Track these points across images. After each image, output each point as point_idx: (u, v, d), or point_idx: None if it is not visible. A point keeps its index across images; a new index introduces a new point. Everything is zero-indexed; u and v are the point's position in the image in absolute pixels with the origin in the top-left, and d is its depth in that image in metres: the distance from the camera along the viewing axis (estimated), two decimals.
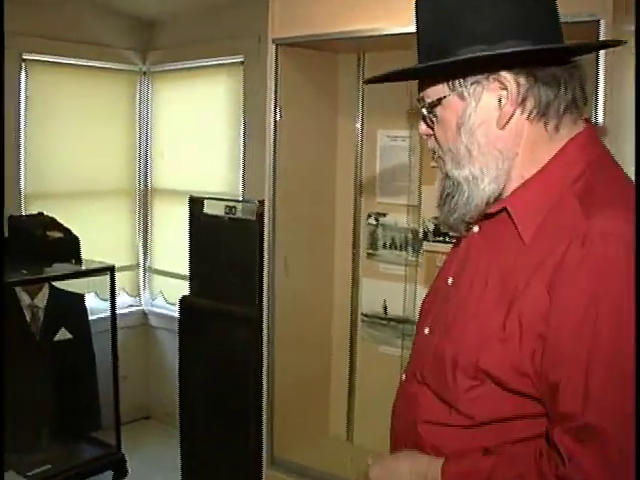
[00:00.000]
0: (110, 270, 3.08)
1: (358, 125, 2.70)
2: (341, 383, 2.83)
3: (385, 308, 2.65)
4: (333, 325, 2.86)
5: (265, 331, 2.55)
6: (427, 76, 1.16)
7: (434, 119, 1.15)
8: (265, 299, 2.52)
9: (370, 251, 2.70)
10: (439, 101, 1.13)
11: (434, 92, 1.14)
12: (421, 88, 1.17)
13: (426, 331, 1.23)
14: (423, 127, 1.19)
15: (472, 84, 1.10)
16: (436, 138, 1.17)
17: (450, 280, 1.22)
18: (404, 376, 1.28)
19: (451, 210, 1.16)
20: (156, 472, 3.45)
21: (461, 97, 1.10)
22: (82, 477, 3.13)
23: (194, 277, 3.15)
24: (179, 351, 3.16)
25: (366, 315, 2.72)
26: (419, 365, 1.21)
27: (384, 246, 2.65)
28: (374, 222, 2.69)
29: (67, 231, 3.15)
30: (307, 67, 2.60)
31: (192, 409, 3.14)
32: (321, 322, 2.82)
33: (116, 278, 3.58)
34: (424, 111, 1.16)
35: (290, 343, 2.62)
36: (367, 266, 2.74)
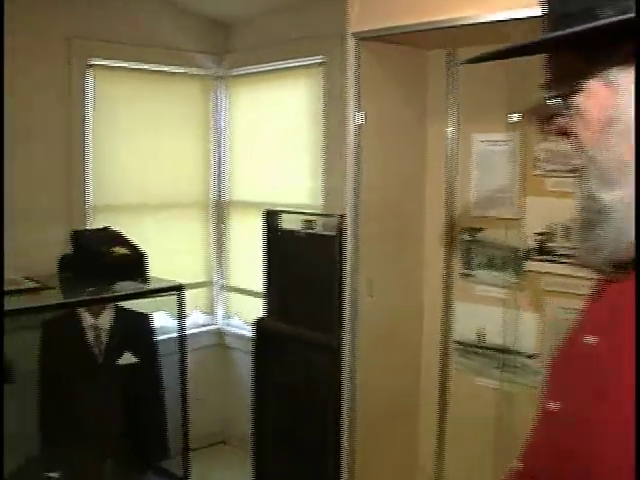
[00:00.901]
0: (178, 289, 3.15)
1: (450, 128, 2.66)
2: (430, 417, 2.79)
3: (481, 335, 2.62)
4: (422, 353, 2.83)
5: (346, 359, 2.54)
6: (560, 50, 0.94)
7: (571, 113, 0.94)
8: (346, 323, 2.52)
9: (464, 271, 2.67)
10: (578, 86, 0.91)
11: (571, 73, 0.92)
12: (551, 69, 0.96)
13: (552, 407, 0.99)
14: (557, 123, 0.96)
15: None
16: (575, 140, 0.96)
17: (591, 339, 0.96)
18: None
19: (595, 247, 0.94)
20: None
21: (610, 82, 0.88)
22: None
23: (269, 297, 3.22)
24: (253, 376, 3.23)
25: (460, 343, 2.70)
26: (531, 458, 0.99)
27: (480, 265, 2.62)
28: (469, 238, 2.65)
29: (133, 247, 3.24)
30: (392, 65, 2.58)
31: (266, 437, 3.21)
32: (409, 350, 2.80)
33: (189, 296, 3.74)
34: (554, 101, 0.95)
35: (374, 372, 2.60)
36: (461, 288, 2.69)
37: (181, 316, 3.19)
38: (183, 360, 3.21)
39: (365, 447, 2.62)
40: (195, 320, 4.19)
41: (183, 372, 3.21)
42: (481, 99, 2.53)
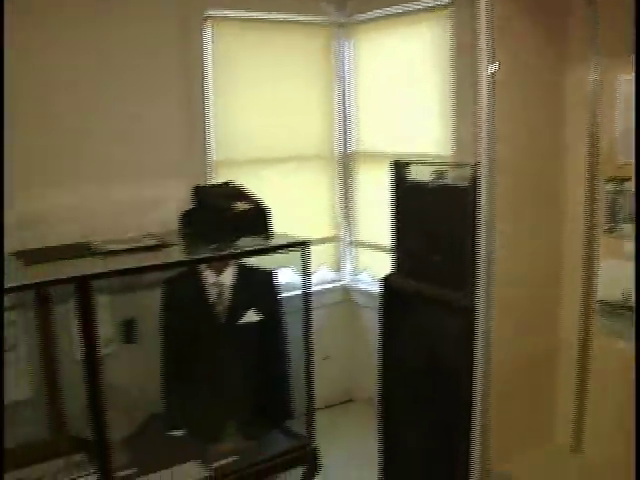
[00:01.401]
0: (303, 245, 3.22)
1: (592, 70, 2.55)
2: (569, 383, 2.76)
3: (627, 295, 2.54)
4: (561, 314, 2.80)
5: (480, 318, 2.54)
6: None
7: None
8: (480, 280, 2.52)
9: (609, 225, 2.59)
10: None
11: None
12: None
13: None
14: None
15: None
16: None
17: None
18: None
19: None
20: (352, 466, 3.63)
21: None
22: (270, 472, 3.33)
23: (397, 252, 3.22)
24: (380, 334, 3.26)
25: (603, 302, 2.63)
26: None
27: (626, 219, 2.52)
28: (615, 189, 2.56)
29: (256, 202, 3.31)
30: (529, 5, 2.48)
31: (393, 396, 3.25)
32: (546, 310, 2.78)
33: (316, 252, 3.85)
34: None
35: (508, 335, 2.59)
36: (605, 244, 2.61)
37: (306, 273, 3.25)
38: (308, 318, 3.28)
39: (498, 409, 2.61)
40: (322, 276, 4.30)
41: (308, 330, 3.28)
42: (630, 34, 2.34)
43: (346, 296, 4.35)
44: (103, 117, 3.43)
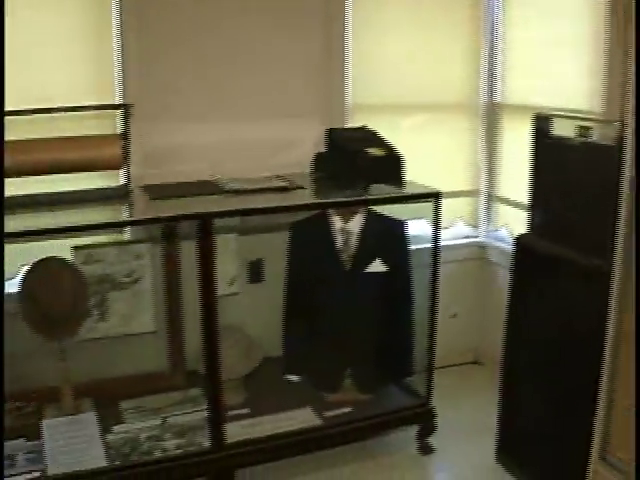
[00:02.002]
0: (435, 197, 3.24)
1: None
2: None
3: None
4: None
5: (614, 287, 2.52)
6: None
7: None
8: (619, 246, 2.50)
9: None
10: None
11: None
12: None
13: None
14: None
15: None
16: None
17: None
18: None
19: None
20: (468, 432, 3.70)
21: None
22: (383, 427, 3.49)
23: (534, 211, 3.23)
24: (510, 295, 3.30)
25: None
26: None
27: None
28: None
29: (390, 149, 3.34)
30: None
31: (517, 364, 3.29)
32: None
33: (453, 205, 4.07)
34: None
35: None
36: None
37: (436, 225, 3.27)
38: (435, 272, 3.30)
39: (626, 396, 2.51)
40: (458, 231, 4.34)
41: (434, 285, 3.32)
42: None
43: (481, 253, 4.35)
44: (241, 56, 3.61)
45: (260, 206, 3.12)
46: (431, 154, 4.11)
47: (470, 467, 3.41)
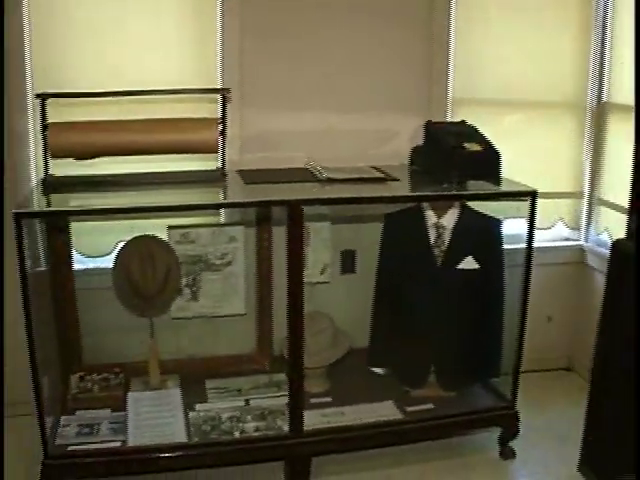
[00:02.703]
0: (531, 195, 3.17)
1: None
2: None
3: None
4: None
5: None
6: None
7: None
8: None
9: None
10: None
11: None
12: None
13: None
14: None
15: None
16: None
17: None
18: None
19: None
20: (552, 440, 3.60)
21: None
22: (464, 427, 3.48)
23: (631, 215, 3.14)
24: (603, 301, 3.19)
25: None
26: None
27: None
28: None
29: (488, 144, 3.32)
30: None
31: (607, 374, 3.18)
32: None
33: (553, 206, 4.04)
34: None
35: None
36: None
37: (531, 225, 3.21)
38: (527, 273, 3.25)
39: None
40: (558, 233, 4.26)
41: (526, 286, 3.25)
42: None
43: (581, 257, 4.25)
44: (343, 48, 3.68)
45: (350, 195, 3.14)
46: (533, 153, 4.04)
47: (550, 476, 3.34)
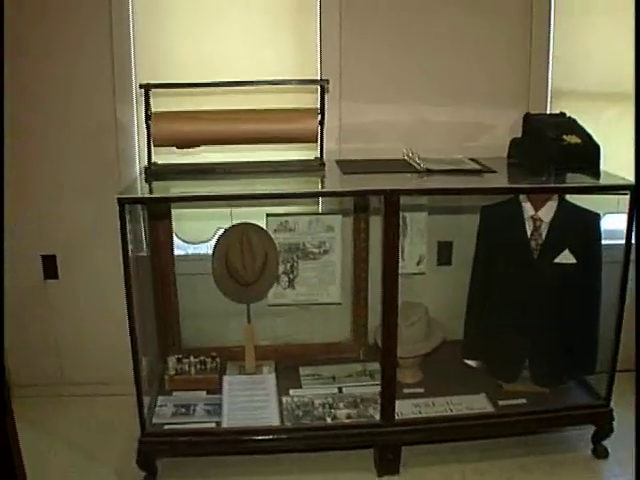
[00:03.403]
0: (630, 189, 3.10)
1: None
2: None
3: None
4: None
5: None
6: None
7: None
8: None
9: None
10: None
11: None
12: None
13: None
14: None
15: None
16: None
17: None
18: None
19: None
20: None
21: None
22: (557, 423, 3.45)
23: None
24: None
25: None
26: None
27: None
28: None
29: (588, 137, 3.29)
30: None
31: None
32: None
33: None
34: None
35: None
36: None
37: (630, 220, 3.15)
38: (626, 270, 3.19)
39: None
40: None
41: (624, 283, 3.20)
42: None
43: None
44: (441, 40, 3.70)
45: (447, 186, 3.15)
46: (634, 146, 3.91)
47: None
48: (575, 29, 3.83)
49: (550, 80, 3.81)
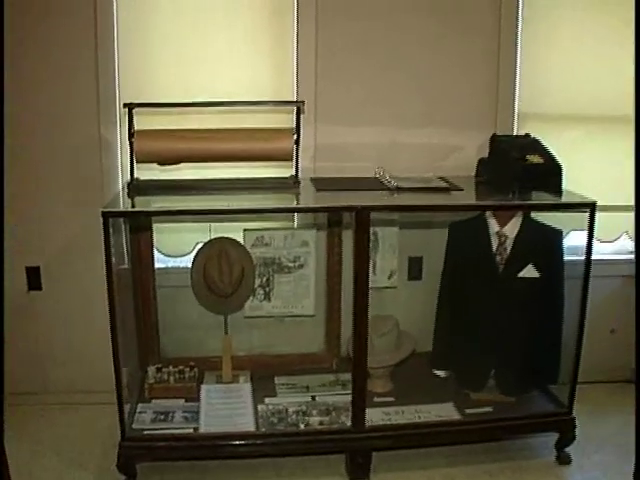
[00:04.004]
0: (589, 207, 3.25)
1: None
2: None
3: None
4: None
5: None
6: None
7: None
8: None
9: None
10: None
11: None
12: None
13: None
14: None
15: None
16: None
17: None
18: None
19: None
20: (609, 450, 3.67)
21: None
22: (522, 430, 3.57)
23: None
24: None
25: None
26: None
27: None
28: None
29: (550, 157, 3.45)
30: None
31: None
32: None
33: (618, 219, 4.12)
34: None
35: None
36: None
37: (590, 236, 3.29)
38: (586, 285, 3.33)
39: None
40: (622, 246, 4.32)
41: (584, 298, 3.34)
42: None
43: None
44: (412, 65, 3.88)
45: (416, 203, 3.32)
46: (599, 166, 4.15)
47: None
48: (540, 54, 4.00)
49: (517, 103, 3.98)
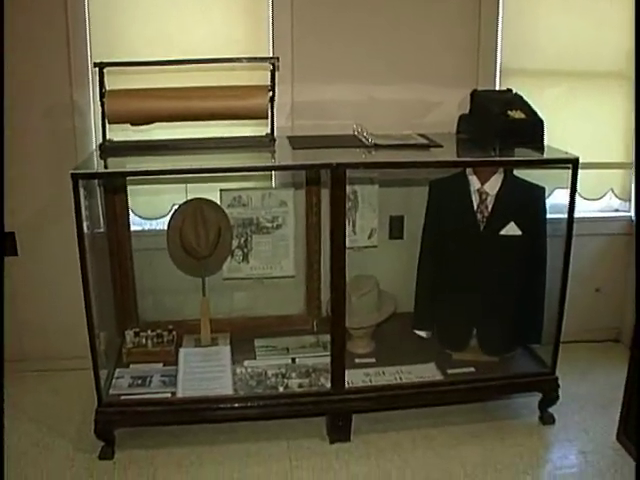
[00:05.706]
0: (572, 163, 3.16)
1: None
2: None
3: None
4: None
5: None
6: None
7: None
8: None
9: None
10: None
11: None
12: None
13: None
14: None
15: None
16: None
17: None
18: None
19: None
20: (593, 408, 3.64)
21: None
22: (505, 391, 3.56)
23: None
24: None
25: None
26: None
27: None
28: None
29: (532, 112, 3.36)
30: None
31: None
32: None
33: (603, 176, 4.08)
34: None
35: None
36: None
37: (573, 193, 3.21)
38: (569, 242, 3.27)
39: None
40: (607, 204, 4.26)
41: (567, 255, 3.28)
42: None
43: (630, 228, 4.23)
44: (390, 20, 3.77)
45: (392, 160, 3.24)
46: (583, 122, 4.05)
47: (589, 442, 3.38)
48: (524, 8, 3.89)
49: (499, 58, 3.88)
